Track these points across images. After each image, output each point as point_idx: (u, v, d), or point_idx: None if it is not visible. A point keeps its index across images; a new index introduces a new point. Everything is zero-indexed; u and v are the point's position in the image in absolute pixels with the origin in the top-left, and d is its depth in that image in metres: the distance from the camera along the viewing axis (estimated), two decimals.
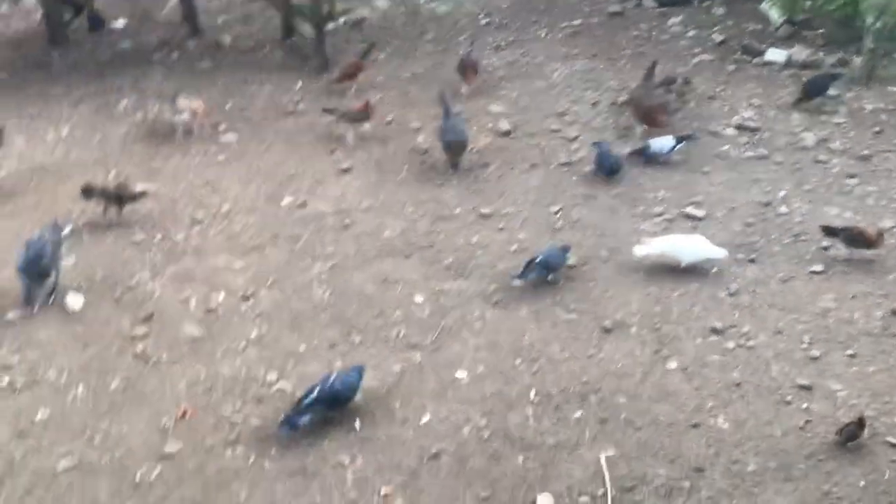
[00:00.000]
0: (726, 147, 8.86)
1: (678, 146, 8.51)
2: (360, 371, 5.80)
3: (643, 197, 8.06)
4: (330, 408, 5.58)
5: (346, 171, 8.52)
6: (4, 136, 8.46)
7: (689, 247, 7.11)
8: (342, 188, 8.27)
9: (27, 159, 8.61)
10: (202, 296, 6.80)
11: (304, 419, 5.50)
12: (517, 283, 6.85)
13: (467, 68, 9.87)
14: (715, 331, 6.41)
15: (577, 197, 8.05)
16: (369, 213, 7.91)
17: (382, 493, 5.14)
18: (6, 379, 5.94)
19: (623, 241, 7.42)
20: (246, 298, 6.78)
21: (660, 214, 7.82)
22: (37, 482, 5.17)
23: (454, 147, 8.40)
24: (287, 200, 8.06)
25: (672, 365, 6.12)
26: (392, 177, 8.44)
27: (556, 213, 7.83)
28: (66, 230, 7.03)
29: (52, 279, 6.64)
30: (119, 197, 7.64)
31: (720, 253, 7.06)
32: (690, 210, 7.83)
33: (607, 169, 8.25)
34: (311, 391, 5.57)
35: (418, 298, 6.81)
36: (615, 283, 6.95)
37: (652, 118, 8.92)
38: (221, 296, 6.80)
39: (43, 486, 5.14)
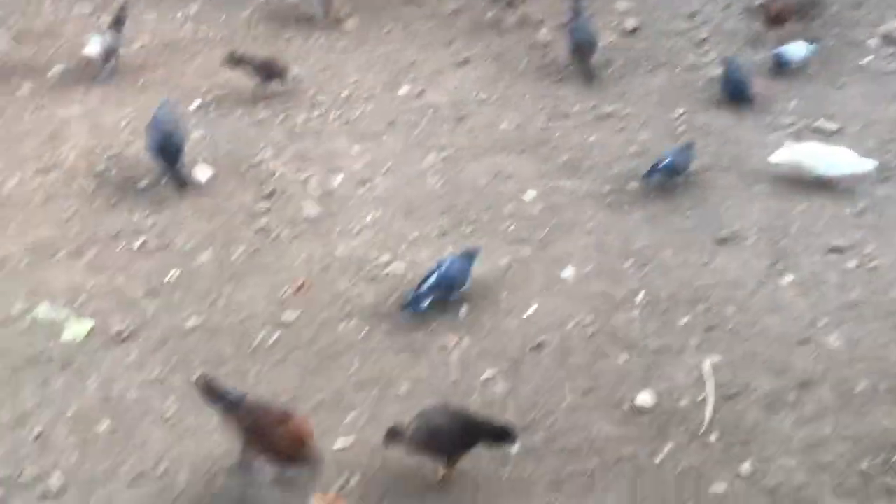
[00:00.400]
0: (868, 59, 8.33)
1: (810, 52, 8.00)
2: (473, 255, 5.89)
3: (772, 107, 7.70)
4: (447, 292, 5.73)
5: (464, 62, 8.45)
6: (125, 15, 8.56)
7: (833, 158, 6.70)
8: (459, 79, 8.23)
9: (158, 35, 8.87)
10: (321, 177, 6.99)
11: (425, 303, 5.65)
12: (643, 183, 6.72)
13: None
14: (836, 249, 6.19)
15: (702, 102, 7.77)
16: (485, 105, 7.87)
17: (484, 376, 5.31)
18: (140, 241, 6.33)
19: (747, 151, 7.18)
20: (362, 183, 6.94)
21: (789, 125, 7.49)
22: (167, 337, 5.57)
23: (584, 48, 8.06)
24: (404, 89, 8.08)
25: (787, 280, 5.98)
26: (510, 70, 8.33)
27: (679, 116, 7.60)
28: (195, 104, 7.19)
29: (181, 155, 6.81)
30: (266, 67, 7.84)
31: (867, 165, 6.63)
32: (822, 123, 7.46)
33: (732, 93, 7.65)
34: (429, 275, 5.71)
35: (530, 194, 6.81)
36: (735, 193, 6.76)
37: (781, 19, 8.40)
38: (339, 178, 6.98)
39: (173, 341, 5.54)
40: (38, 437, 4.91)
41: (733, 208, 6.60)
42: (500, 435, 4.65)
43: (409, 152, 7.32)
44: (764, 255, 6.17)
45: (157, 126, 6.79)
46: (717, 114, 7.59)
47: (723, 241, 6.29)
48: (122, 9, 8.29)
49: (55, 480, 4.68)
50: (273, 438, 4.45)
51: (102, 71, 8.03)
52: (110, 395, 5.17)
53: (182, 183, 6.74)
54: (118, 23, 8.20)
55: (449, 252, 6.19)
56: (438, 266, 5.78)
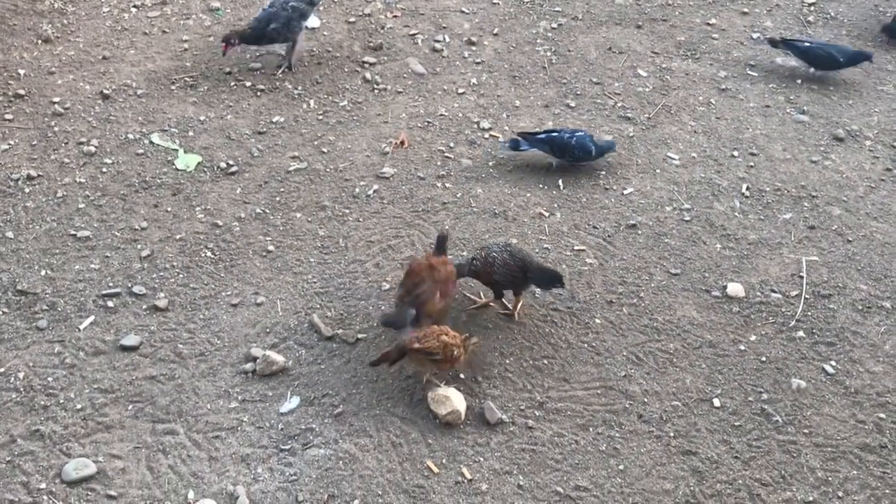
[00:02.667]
0: None
1: None
2: (603, 146, 5.80)
3: None
4: (553, 153, 5.77)
5: None
6: None
7: None
8: None
9: None
10: (429, 35, 6.91)
11: (526, 146, 5.79)
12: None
13: None
14: None
15: None
16: None
17: (576, 248, 5.34)
18: (249, 82, 6.45)
19: (880, 46, 6.73)
20: (470, 44, 6.84)
21: None
22: (271, 176, 5.75)
23: None
24: None
25: None
26: None
27: (811, 4, 7.15)
28: None
29: (287, 44, 6.52)
30: None
31: None
32: None
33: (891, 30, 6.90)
34: (551, 131, 5.81)
35: (642, 72, 6.61)
36: (859, 91, 6.41)
37: None
38: (447, 37, 6.88)
39: (276, 181, 5.72)
40: (148, 256, 5.22)
41: (855, 107, 6.28)
42: (551, 279, 4.84)
43: (520, 17, 7.13)
44: (881, 159, 5.91)
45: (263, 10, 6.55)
46: (853, 4, 7.11)
47: (839, 140, 6.03)
48: None
49: (162, 298, 5.00)
50: None
51: None
52: (216, 224, 5.42)
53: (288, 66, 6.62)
54: None
55: (551, 124, 6.12)
56: (561, 131, 5.81)
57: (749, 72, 6.57)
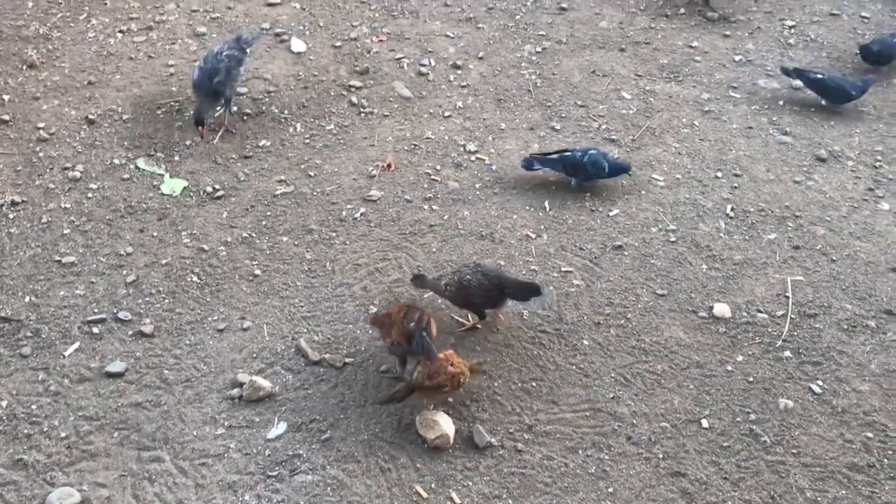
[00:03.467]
0: None
1: None
2: (618, 167, 5.82)
3: (895, 24, 7.27)
4: (567, 172, 5.84)
5: None
6: None
7: None
8: None
9: None
10: (415, 59, 6.95)
11: (538, 167, 5.87)
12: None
13: None
14: None
15: (818, 14, 7.39)
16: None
17: (563, 269, 5.35)
18: (235, 106, 6.45)
19: (860, 68, 6.83)
20: (456, 68, 6.88)
21: None
22: (258, 200, 5.74)
23: None
24: None
25: (884, 206, 5.79)
26: None
27: (791, 27, 7.25)
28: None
29: (225, 97, 6.22)
30: None
31: None
32: None
33: (872, 57, 6.84)
34: (564, 150, 5.87)
35: (626, 95, 6.67)
36: (840, 112, 6.49)
37: None
38: (433, 61, 6.93)
39: (262, 205, 5.71)
40: (133, 281, 5.19)
41: (837, 128, 6.36)
42: (529, 291, 4.88)
43: (505, 41, 7.19)
44: (863, 179, 5.97)
45: (205, 61, 6.20)
46: (833, 27, 7.22)
47: (821, 161, 6.10)
48: None
49: (148, 323, 4.96)
50: None
51: None
52: (202, 249, 5.40)
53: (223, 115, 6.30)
54: None
55: (536, 146, 6.17)
56: (573, 151, 5.85)
57: (732, 94, 6.65)
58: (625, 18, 7.39)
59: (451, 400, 4.53)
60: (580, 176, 5.83)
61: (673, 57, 6.99)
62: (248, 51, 6.38)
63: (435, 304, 5.06)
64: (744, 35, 7.20)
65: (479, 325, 5.00)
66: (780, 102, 6.57)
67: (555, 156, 5.87)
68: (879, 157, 6.14)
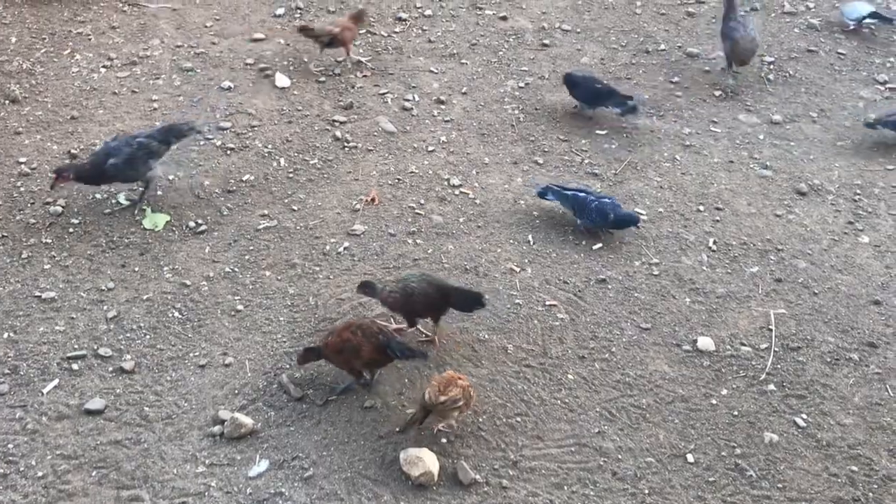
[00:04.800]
0: None
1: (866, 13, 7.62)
2: (626, 219, 5.76)
3: (870, 61, 7.41)
4: (574, 212, 5.81)
5: None
6: None
7: None
8: (546, 5, 8.07)
9: None
10: (399, 94, 6.99)
11: (551, 197, 5.87)
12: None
13: None
14: None
15: (795, 50, 7.51)
16: (569, 35, 7.73)
17: (547, 303, 5.35)
18: (219, 141, 6.46)
19: (837, 104, 6.95)
20: (440, 103, 6.92)
21: (884, 83, 7.21)
22: (241, 235, 5.72)
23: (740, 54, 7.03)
24: (489, 12, 7.97)
25: (864, 239, 5.84)
26: (599, 1, 8.13)
27: (770, 63, 7.36)
28: (280, 10, 6.78)
29: (140, 178, 5.79)
30: None
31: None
32: None
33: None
34: (581, 189, 5.84)
35: (608, 129, 6.72)
36: (820, 145, 6.58)
37: None
38: (417, 96, 6.97)
39: (245, 239, 5.68)
40: (114, 317, 5.14)
41: (817, 162, 6.44)
42: (473, 301, 4.95)
43: (488, 77, 7.25)
44: (843, 212, 6.03)
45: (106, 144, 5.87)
46: (810, 63, 7.34)
47: (802, 194, 6.16)
48: None
49: (128, 360, 4.90)
50: None
51: None
52: (184, 284, 5.35)
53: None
54: None
55: (520, 180, 6.20)
56: (587, 191, 5.82)
57: (712, 128, 6.72)
58: (606, 54, 7.48)
59: (460, 418, 4.49)
60: (585, 219, 5.79)
61: (654, 92, 7.07)
62: (173, 145, 5.89)
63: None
64: (722, 70, 7.30)
65: (424, 335, 5.04)
66: (761, 136, 6.65)
67: (569, 192, 5.81)
68: (858, 191, 6.21)
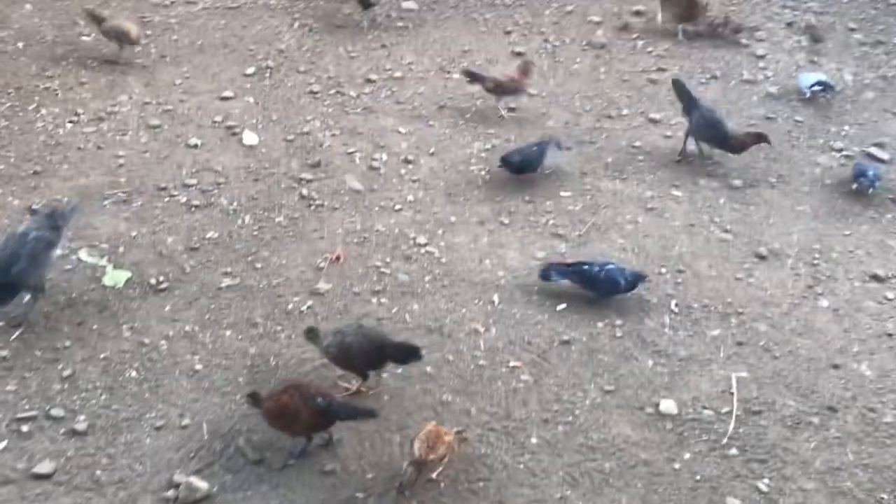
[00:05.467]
0: None
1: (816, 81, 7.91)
2: (630, 276, 5.75)
3: (826, 129, 7.62)
4: (580, 284, 5.76)
5: (519, 54, 8.43)
6: None
7: None
8: (513, 70, 8.22)
9: None
10: (366, 153, 7.04)
11: (557, 278, 5.81)
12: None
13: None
14: (876, 277, 6.13)
15: (754, 117, 7.70)
16: (535, 99, 7.87)
17: (511, 364, 5.33)
18: (184, 198, 6.43)
19: (795, 170, 7.12)
20: (407, 163, 6.98)
21: (840, 150, 7.41)
22: (202, 293, 5.66)
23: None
24: (457, 75, 8.10)
25: (823, 303, 5.93)
26: (565, 67, 8.32)
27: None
28: (250, 70, 6.93)
29: (30, 287, 5.30)
30: None
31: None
32: (874, 150, 7.37)
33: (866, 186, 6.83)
34: (584, 263, 5.79)
35: (572, 191, 6.81)
36: (779, 210, 6.71)
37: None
38: (384, 156, 7.02)
39: (207, 298, 5.63)
40: (69, 376, 5.03)
41: (776, 226, 6.56)
42: (409, 353, 4.98)
43: (455, 138, 7.34)
44: (802, 276, 6.13)
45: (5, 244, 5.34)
46: (769, 129, 7.51)
47: (761, 258, 6.25)
48: None
49: (82, 421, 4.78)
50: None
51: None
52: (142, 343, 5.26)
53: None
54: None
55: (486, 240, 6.24)
56: (591, 263, 5.78)
57: (673, 192, 6.84)
58: (571, 118, 7.62)
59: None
60: (598, 291, 5.75)
61: (617, 156, 7.20)
62: (63, 229, 5.47)
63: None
64: (683, 135, 7.46)
65: (363, 389, 5.01)
66: (721, 201, 6.77)
67: (573, 268, 5.78)
68: (817, 255, 6.32)
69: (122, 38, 7.72)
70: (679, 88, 7.31)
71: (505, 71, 7.82)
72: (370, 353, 4.92)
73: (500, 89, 7.53)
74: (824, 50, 8.65)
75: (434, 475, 4.52)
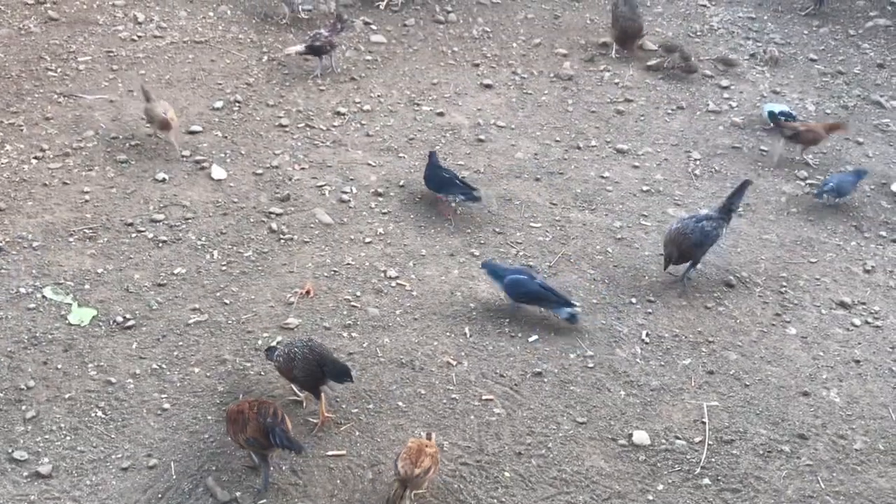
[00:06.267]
0: (887, 120, 8.39)
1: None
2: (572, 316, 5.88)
3: (790, 158, 7.75)
4: (529, 301, 5.90)
5: (487, 86, 8.52)
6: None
7: None
8: (481, 103, 8.29)
9: (188, 32, 8.95)
10: (336, 186, 7.03)
11: (505, 277, 5.90)
12: (818, 200, 7.15)
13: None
14: (843, 305, 6.21)
15: (721, 147, 7.83)
16: (504, 131, 7.93)
17: (484, 397, 5.30)
18: (151, 234, 6.36)
19: (761, 199, 7.22)
20: (377, 195, 6.98)
21: (804, 179, 7.53)
22: (170, 330, 5.58)
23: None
24: (426, 108, 8.15)
25: (791, 331, 5.99)
26: (532, 99, 8.40)
27: (697, 159, 7.65)
28: (218, 104, 6.82)
29: None
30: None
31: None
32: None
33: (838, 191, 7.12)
34: (535, 278, 5.94)
35: (541, 223, 6.84)
36: (747, 239, 6.79)
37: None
38: (354, 188, 7.01)
39: (175, 335, 5.55)
40: (33, 417, 4.91)
41: (744, 255, 6.63)
42: (341, 373, 5.01)
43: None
44: (770, 305, 6.19)
45: None
46: (735, 159, 7.64)
47: (730, 286, 6.31)
48: None
49: (46, 463, 4.67)
50: None
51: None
52: (109, 382, 5.17)
53: None
54: None
55: (457, 272, 6.24)
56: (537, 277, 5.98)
57: (643, 222, 6.90)
58: (539, 150, 7.68)
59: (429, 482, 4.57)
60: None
61: (586, 186, 7.26)
62: None
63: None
64: (652, 166, 7.55)
65: (331, 417, 5.07)
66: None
67: (541, 281, 5.93)
68: (784, 283, 6.39)
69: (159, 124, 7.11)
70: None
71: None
72: (311, 365, 4.95)
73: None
74: (786, 80, 8.83)
75: (422, 490, 4.56)
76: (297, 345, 5.03)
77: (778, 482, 4.92)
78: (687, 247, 6.15)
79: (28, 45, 8.45)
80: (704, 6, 10.33)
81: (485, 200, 6.89)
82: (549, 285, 5.94)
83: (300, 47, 8.37)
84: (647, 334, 5.86)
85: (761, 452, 5.10)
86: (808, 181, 7.51)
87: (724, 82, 8.79)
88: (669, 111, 8.34)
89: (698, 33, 9.71)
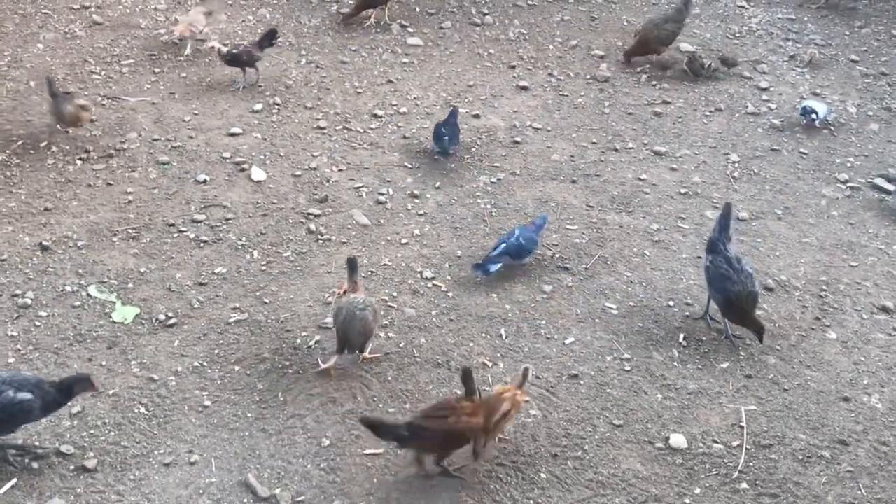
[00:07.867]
0: None
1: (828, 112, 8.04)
2: (542, 224, 6.40)
3: (831, 160, 7.66)
4: (517, 257, 6.23)
5: (524, 88, 8.53)
6: (214, 14, 9.08)
7: None
8: (518, 105, 8.30)
9: (228, 35, 9.09)
10: (373, 188, 7.09)
11: (496, 267, 6.18)
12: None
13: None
14: (885, 309, 6.12)
15: (759, 149, 7.76)
16: (541, 133, 7.93)
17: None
18: (193, 234, 6.47)
19: (801, 202, 7.15)
20: (414, 197, 7.02)
21: (845, 182, 7.44)
22: (210, 328, 5.67)
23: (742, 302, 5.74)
24: (463, 110, 8.17)
25: (832, 335, 5.92)
26: (569, 101, 8.39)
27: (735, 162, 7.59)
28: (258, 106, 6.91)
29: None
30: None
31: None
32: (879, 181, 7.42)
33: None
34: (500, 243, 6.24)
35: (578, 225, 6.84)
36: (786, 242, 6.72)
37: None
38: (391, 190, 7.07)
39: (216, 333, 5.64)
40: (78, 412, 5.03)
41: (783, 258, 6.56)
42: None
43: (461, 172, 7.39)
44: (810, 308, 6.12)
45: None
46: (774, 162, 7.57)
47: (769, 290, 6.25)
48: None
49: (91, 457, 4.77)
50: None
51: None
52: (151, 379, 5.27)
53: None
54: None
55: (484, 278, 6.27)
56: (509, 235, 6.27)
57: (680, 224, 6.86)
58: (576, 151, 7.67)
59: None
60: (524, 254, 6.26)
61: (623, 189, 7.24)
62: None
63: None
64: (690, 168, 7.50)
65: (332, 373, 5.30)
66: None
67: (502, 248, 6.19)
68: (825, 287, 6.32)
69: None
70: None
71: None
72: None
73: None
74: (827, 81, 8.73)
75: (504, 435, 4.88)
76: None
77: (818, 488, 4.87)
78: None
79: (73, 49, 8.64)
80: (743, 7, 10.25)
81: (453, 153, 7.35)
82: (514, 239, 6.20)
83: (223, 50, 8.17)
84: (685, 337, 5.83)
85: (800, 458, 5.05)
86: (850, 184, 7.41)
87: (763, 84, 8.71)
88: (707, 113, 8.28)
89: (736, 35, 9.63)
